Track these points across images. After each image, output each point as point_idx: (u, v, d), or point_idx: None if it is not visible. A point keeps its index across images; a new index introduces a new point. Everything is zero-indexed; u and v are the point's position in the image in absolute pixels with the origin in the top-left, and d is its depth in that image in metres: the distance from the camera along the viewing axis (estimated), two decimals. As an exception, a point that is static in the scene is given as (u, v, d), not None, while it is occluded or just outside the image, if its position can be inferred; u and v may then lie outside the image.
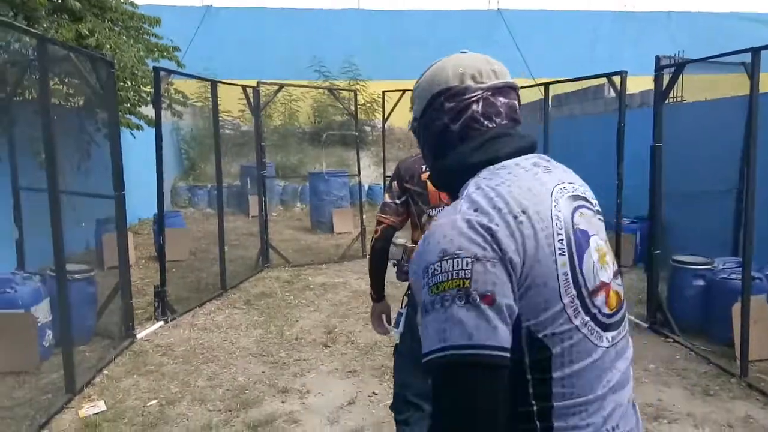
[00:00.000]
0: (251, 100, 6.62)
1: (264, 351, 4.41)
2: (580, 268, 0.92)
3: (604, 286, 0.97)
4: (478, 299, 0.83)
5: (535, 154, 1.03)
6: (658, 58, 4.56)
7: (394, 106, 7.32)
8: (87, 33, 5.36)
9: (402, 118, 10.76)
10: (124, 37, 6.12)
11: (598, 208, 1.05)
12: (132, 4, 6.68)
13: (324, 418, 3.37)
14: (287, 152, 12.75)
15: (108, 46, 5.45)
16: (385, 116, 7.52)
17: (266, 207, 7.33)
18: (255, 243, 7.92)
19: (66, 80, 5.53)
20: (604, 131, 5.52)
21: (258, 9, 14.88)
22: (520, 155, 1.01)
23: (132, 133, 6.69)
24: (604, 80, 5.20)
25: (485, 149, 1.01)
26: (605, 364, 0.95)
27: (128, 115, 6.55)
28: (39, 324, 3.90)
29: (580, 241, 0.94)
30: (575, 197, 0.98)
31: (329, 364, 4.13)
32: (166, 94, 7.11)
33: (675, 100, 7.30)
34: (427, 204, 2.25)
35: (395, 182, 2.32)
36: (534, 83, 6.47)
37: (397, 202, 2.31)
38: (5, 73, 4.90)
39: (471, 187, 0.94)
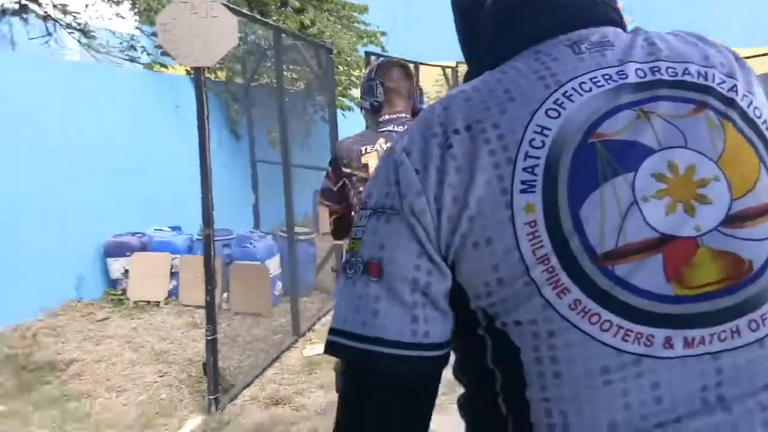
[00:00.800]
0: (449, 80, 6.82)
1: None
2: (574, 213, 0.55)
3: (665, 243, 0.55)
4: (361, 269, 0.60)
5: (595, 30, 0.65)
6: None
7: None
8: (309, 23, 6.05)
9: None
10: (339, 26, 6.74)
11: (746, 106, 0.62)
12: (344, -7, 7.32)
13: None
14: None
15: (327, 34, 6.09)
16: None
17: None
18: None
19: (290, 67, 6.30)
20: None
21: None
22: (557, 32, 0.65)
23: (343, 114, 7.37)
24: None
25: (505, 34, 0.68)
26: (668, 379, 0.54)
27: (340, 98, 7.23)
28: (271, 275, 4.60)
29: (593, 167, 0.57)
30: (650, 84, 0.60)
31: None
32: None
33: None
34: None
35: (334, 165, 2.08)
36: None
37: (334, 189, 2.08)
38: (245, 61, 5.74)
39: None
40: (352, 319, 0.59)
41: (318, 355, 3.88)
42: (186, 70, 5.86)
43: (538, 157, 0.56)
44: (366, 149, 2.01)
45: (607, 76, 0.60)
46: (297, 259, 4.29)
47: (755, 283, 0.56)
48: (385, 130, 2.03)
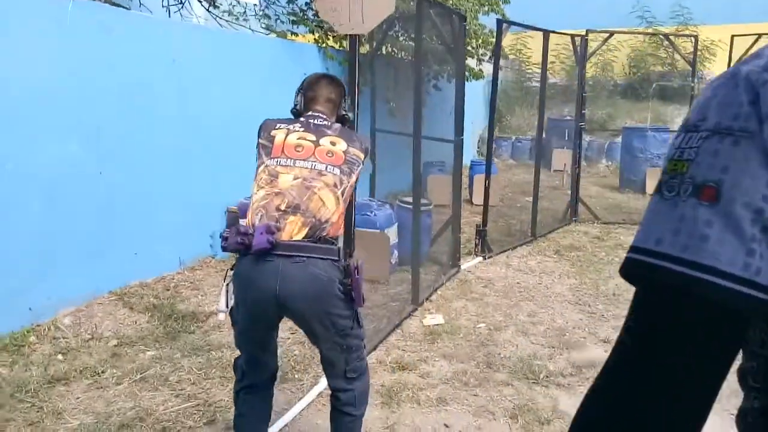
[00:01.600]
0: (578, 49, 6.46)
1: (579, 300, 4.46)
2: None
3: None
4: (689, 190, 0.54)
5: None
6: None
7: (745, 52, 6.31)
8: (435, -10, 5.92)
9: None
10: (462, -8, 6.57)
11: None
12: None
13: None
14: (595, 106, 12.16)
15: (451, 1, 5.94)
16: (730, 65, 6.54)
17: (579, 161, 7.20)
18: (558, 196, 7.90)
19: (412, 36, 6.23)
20: None
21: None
22: None
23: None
24: None
25: None
26: None
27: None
28: (390, 244, 4.64)
29: None
30: None
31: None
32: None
33: None
34: (269, 155, 2.07)
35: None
36: None
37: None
38: (372, 31, 5.72)
39: None
40: (670, 240, 0.53)
41: (437, 325, 3.88)
42: (314, 38, 5.97)
43: None
44: (280, 126, 2.14)
45: None
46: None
47: None
48: (304, 120, 2.16)
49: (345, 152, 2.09)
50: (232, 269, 2.05)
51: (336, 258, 2.00)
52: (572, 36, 6.43)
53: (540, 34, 5.94)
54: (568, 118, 9.80)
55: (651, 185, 8.62)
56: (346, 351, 2.08)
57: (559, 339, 3.73)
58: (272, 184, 2.01)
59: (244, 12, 7.09)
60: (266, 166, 2.06)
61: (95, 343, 3.45)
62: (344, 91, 2.31)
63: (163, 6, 6.60)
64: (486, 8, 7.07)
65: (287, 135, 2.10)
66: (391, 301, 4.27)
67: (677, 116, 10.77)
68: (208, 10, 6.93)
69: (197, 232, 4.75)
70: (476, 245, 5.47)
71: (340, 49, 6.28)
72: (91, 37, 3.85)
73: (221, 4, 7.07)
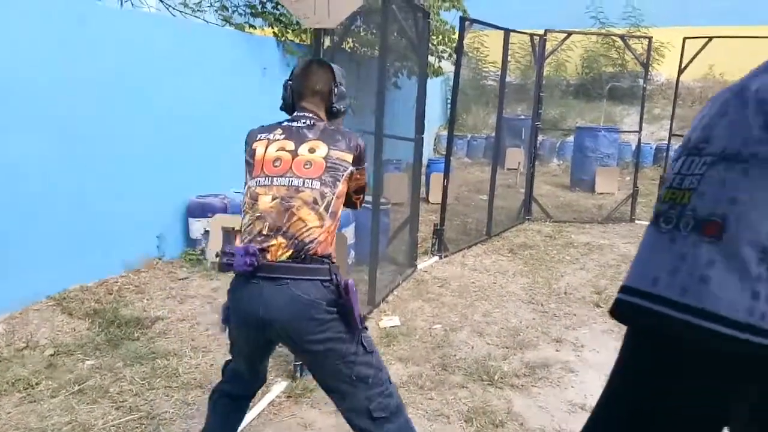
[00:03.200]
0: (536, 49, 6.52)
1: (533, 299, 4.49)
2: None
3: None
4: (691, 225, 0.50)
5: None
6: None
7: (696, 54, 6.52)
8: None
9: (694, 71, 9.54)
10: (422, -11, 6.52)
11: None
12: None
13: (602, 374, 3.33)
14: (548, 105, 12.37)
15: (409, -2, 5.88)
16: (682, 66, 6.74)
17: (534, 159, 7.29)
18: (512, 194, 7.99)
19: (374, 31, 6.13)
20: None
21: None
22: None
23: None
24: None
25: None
26: None
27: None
28: (347, 244, 4.56)
29: None
30: None
31: (602, 324, 4.04)
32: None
33: None
34: (251, 175, 1.93)
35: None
36: None
37: None
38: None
39: None
40: (667, 280, 0.49)
41: (393, 327, 3.83)
42: (273, 32, 5.81)
43: None
44: (260, 136, 1.97)
45: None
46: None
47: None
48: (286, 124, 1.98)
49: (326, 158, 1.89)
50: (230, 284, 1.98)
51: (326, 278, 1.83)
52: (531, 35, 6.48)
53: (497, 32, 5.95)
54: (522, 116, 9.93)
55: (600, 184, 8.83)
56: (360, 383, 1.88)
57: (513, 339, 3.74)
58: (254, 207, 1.88)
59: (200, 3, 6.86)
60: (249, 187, 1.93)
61: (29, 352, 3.24)
62: (334, 77, 2.02)
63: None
64: (447, 4, 7.05)
65: (267, 148, 1.93)
66: (346, 302, 4.19)
67: (626, 116, 11.07)
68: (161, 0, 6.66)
69: (144, 232, 4.55)
70: (433, 244, 5.45)
71: (301, 43, 6.14)
72: (47, 26, 3.61)
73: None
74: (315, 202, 1.86)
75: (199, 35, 5.16)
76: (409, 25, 4.25)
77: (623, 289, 0.51)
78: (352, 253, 4.70)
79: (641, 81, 7.46)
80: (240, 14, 6.34)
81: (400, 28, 4.35)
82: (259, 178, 1.90)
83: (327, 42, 5.65)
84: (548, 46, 6.78)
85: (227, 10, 6.39)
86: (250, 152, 1.95)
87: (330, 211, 1.87)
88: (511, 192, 8.28)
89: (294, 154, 1.90)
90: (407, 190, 5.23)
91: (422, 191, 7.87)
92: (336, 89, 2.01)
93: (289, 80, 2.05)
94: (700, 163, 0.50)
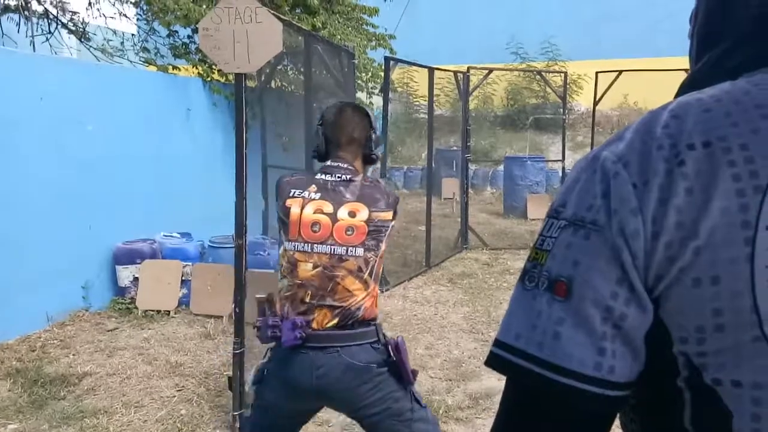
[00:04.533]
0: (461, 84, 6.77)
1: (473, 328, 4.56)
2: None
3: None
4: (545, 285, 0.53)
5: None
6: None
7: (609, 87, 6.96)
8: (320, 26, 5.96)
9: (611, 100, 10.16)
10: (349, 29, 6.66)
11: None
12: (355, -5, 7.25)
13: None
14: (479, 136, 12.82)
15: (338, 37, 6.00)
16: (597, 98, 7.18)
17: (467, 189, 7.49)
18: (449, 224, 8.16)
19: (302, 70, 6.21)
20: None
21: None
22: None
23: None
24: None
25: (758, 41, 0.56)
26: None
27: (347, 102, 7.16)
28: (284, 284, 4.50)
29: None
30: None
31: (541, 348, 4.15)
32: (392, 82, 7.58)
33: None
34: (286, 235, 1.84)
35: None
36: None
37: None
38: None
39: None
40: (526, 336, 0.52)
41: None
42: (198, 72, 5.76)
43: None
44: (294, 193, 1.85)
45: None
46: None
47: None
48: (320, 179, 1.87)
49: (368, 221, 1.82)
50: (271, 349, 1.89)
51: (374, 340, 1.82)
52: (455, 72, 6.73)
53: (425, 69, 6.16)
54: (455, 148, 10.22)
55: (532, 210, 9.17)
56: None
57: (456, 370, 3.77)
58: (293, 274, 1.82)
59: (122, 43, 6.71)
60: (285, 250, 1.84)
61: (-60, 422, 2.97)
62: (370, 122, 1.91)
63: (27, 36, 6.07)
64: (374, 43, 7.23)
65: (302, 208, 1.83)
66: (287, 343, 4.11)
67: (551, 145, 11.61)
68: (80, 40, 6.48)
69: (68, 282, 4.31)
70: (372, 279, 5.46)
71: (227, 83, 6.11)
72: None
73: (95, 35, 6.64)
74: (359, 270, 1.81)
75: (119, 77, 5.04)
76: (335, 64, 4.33)
77: (495, 342, 0.55)
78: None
79: (561, 112, 7.88)
80: (162, 55, 6.26)
81: (327, 67, 4.43)
82: (297, 243, 1.81)
83: (254, 81, 5.71)
84: (475, 80, 7.07)
85: (148, 51, 6.29)
86: (284, 210, 1.84)
87: (373, 275, 1.84)
88: (448, 221, 8.45)
89: (333, 218, 1.82)
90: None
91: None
92: (373, 135, 1.93)
93: (320, 124, 1.93)
94: (557, 227, 0.54)
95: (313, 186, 1.86)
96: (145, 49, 6.31)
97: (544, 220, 0.56)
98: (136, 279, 4.49)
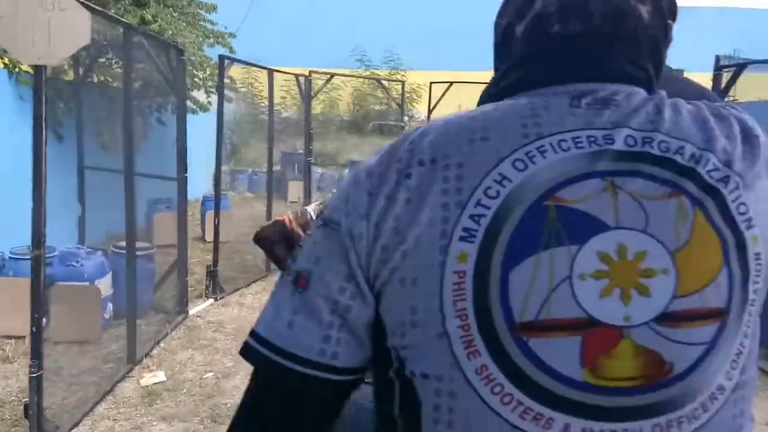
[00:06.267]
0: (302, 88, 6.76)
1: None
2: (504, 274, 0.51)
3: (588, 326, 0.51)
4: (291, 277, 0.58)
5: (609, 86, 0.58)
6: (717, 58, 4.60)
7: (441, 97, 7.41)
8: (150, 19, 5.57)
9: (447, 108, 10.78)
10: (183, 24, 6.31)
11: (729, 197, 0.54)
12: (191, -11, 6.88)
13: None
14: (326, 140, 12.93)
15: (170, 32, 5.65)
16: (431, 107, 7.61)
17: (310, 193, 7.53)
18: (295, 228, 8.12)
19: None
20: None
21: (302, -4, 14.98)
22: (566, 80, 0.59)
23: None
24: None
25: (518, 68, 0.62)
26: None
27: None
28: (102, 297, 4.12)
29: (539, 231, 0.52)
30: (634, 156, 0.54)
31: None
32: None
33: (729, 99, 7.23)
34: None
35: None
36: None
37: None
38: (78, 57, 5.12)
39: None
40: (270, 324, 0.58)
41: (158, 383, 3.56)
42: (4, 62, 5.07)
43: (489, 208, 0.52)
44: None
45: (591, 138, 0.55)
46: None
47: (671, 388, 0.52)
48: None
49: None
50: None
51: None
52: (296, 75, 6.71)
53: (266, 70, 6.05)
54: (301, 151, 10.19)
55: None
56: None
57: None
58: None
59: None
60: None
61: None
62: None
63: None
64: (212, 40, 6.94)
65: None
66: (104, 363, 3.77)
67: (394, 151, 12.05)
68: None
69: None
70: (207, 287, 5.23)
71: (37, 73, 5.47)
72: None
73: None
74: None
75: None
76: (162, 61, 4.09)
77: (250, 332, 0.60)
78: (110, 306, 4.25)
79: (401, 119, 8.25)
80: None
81: (154, 64, 4.16)
82: None
83: (71, 75, 5.17)
84: (318, 84, 7.11)
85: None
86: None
87: None
88: (292, 225, 8.39)
89: None
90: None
91: (198, 230, 7.57)
92: None
93: None
94: (316, 225, 0.60)
95: None
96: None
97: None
98: None
